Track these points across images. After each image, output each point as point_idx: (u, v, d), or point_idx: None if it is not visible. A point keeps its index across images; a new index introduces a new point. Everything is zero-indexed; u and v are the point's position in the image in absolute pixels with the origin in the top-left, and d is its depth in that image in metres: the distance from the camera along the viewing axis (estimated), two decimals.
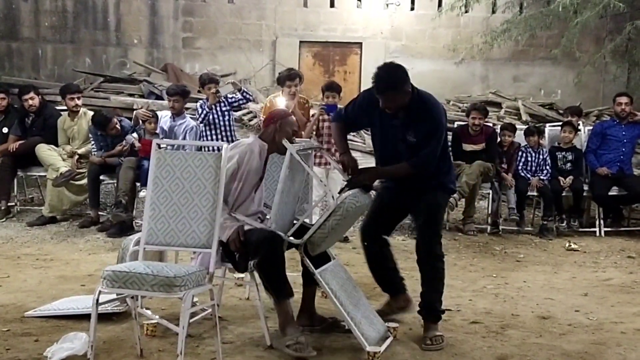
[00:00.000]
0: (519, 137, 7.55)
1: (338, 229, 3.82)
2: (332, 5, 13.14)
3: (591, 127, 8.01)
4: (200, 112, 6.83)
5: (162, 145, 3.89)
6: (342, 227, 3.88)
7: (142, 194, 6.60)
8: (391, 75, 3.78)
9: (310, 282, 3.97)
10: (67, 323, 4.05)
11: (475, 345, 3.95)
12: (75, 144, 7.28)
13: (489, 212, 7.40)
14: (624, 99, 7.62)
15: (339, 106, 6.48)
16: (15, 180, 7.48)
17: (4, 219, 7.15)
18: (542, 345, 3.97)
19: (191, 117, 7.10)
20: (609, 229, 7.39)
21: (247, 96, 7.00)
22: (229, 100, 6.94)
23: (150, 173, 3.66)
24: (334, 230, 3.77)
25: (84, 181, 7.08)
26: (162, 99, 9.64)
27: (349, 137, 4.25)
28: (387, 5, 13.16)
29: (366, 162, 6.20)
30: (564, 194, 7.36)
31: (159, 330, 3.90)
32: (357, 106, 4.07)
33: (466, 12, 12.68)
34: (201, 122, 6.82)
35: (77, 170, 7.10)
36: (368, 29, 13.14)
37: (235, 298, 4.72)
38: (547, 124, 8.86)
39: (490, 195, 7.34)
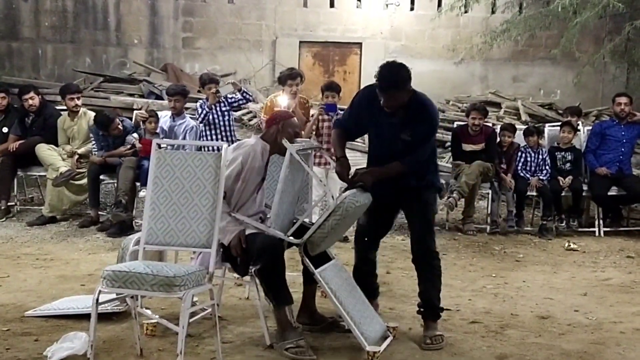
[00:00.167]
0: (519, 137, 7.55)
1: (338, 229, 3.83)
2: (332, 5, 13.15)
3: (590, 127, 8.01)
4: (200, 112, 6.84)
5: (162, 145, 3.90)
6: (342, 226, 3.89)
7: (142, 193, 6.61)
8: (395, 74, 3.80)
9: (310, 281, 3.99)
10: (67, 323, 4.06)
11: (475, 344, 3.96)
12: (75, 144, 7.28)
13: (489, 212, 7.41)
14: (623, 99, 7.62)
15: (338, 106, 6.50)
16: (15, 180, 7.48)
17: (4, 219, 7.16)
18: (541, 345, 3.98)
19: (191, 117, 7.11)
20: (608, 229, 7.39)
21: (247, 96, 7.01)
22: (229, 100, 6.95)
23: (150, 173, 3.67)
24: (334, 230, 3.78)
25: (84, 181, 7.08)
26: (162, 99, 9.65)
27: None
28: (387, 5, 13.17)
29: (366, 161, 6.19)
30: (563, 194, 7.36)
31: (159, 329, 3.90)
32: (355, 106, 4.09)
33: (466, 12, 12.69)
34: (201, 122, 6.82)
35: (77, 170, 7.10)
36: (368, 29, 13.15)
37: (235, 298, 4.73)
38: (547, 124, 8.87)
39: (490, 195, 7.35)
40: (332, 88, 6.63)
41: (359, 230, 4.21)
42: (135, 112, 7.78)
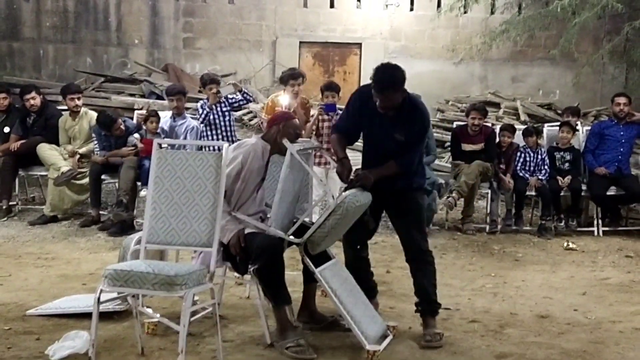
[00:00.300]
0: (518, 138, 7.56)
1: (338, 228, 3.85)
2: (332, 5, 13.15)
3: (589, 127, 8.03)
4: (201, 112, 6.87)
5: (163, 145, 3.92)
6: (342, 226, 3.90)
7: (142, 193, 6.63)
8: (392, 75, 3.86)
9: (310, 280, 4.01)
10: (69, 321, 4.07)
11: (474, 344, 3.98)
12: (76, 144, 7.30)
13: (488, 211, 7.42)
14: (622, 99, 7.64)
15: (337, 106, 6.52)
16: (17, 180, 7.50)
17: (5, 218, 7.17)
18: (540, 344, 4.00)
19: (192, 118, 7.13)
20: (607, 229, 7.40)
21: (248, 97, 7.04)
22: (230, 100, 6.96)
23: (151, 172, 3.68)
24: (334, 229, 3.80)
25: (85, 180, 7.10)
26: (163, 99, 9.66)
27: None
28: (387, 5, 13.17)
29: None
30: (562, 193, 7.37)
31: (160, 328, 3.92)
32: (350, 109, 4.14)
33: (465, 12, 12.70)
34: (202, 123, 6.85)
35: (78, 170, 7.12)
36: (367, 29, 13.16)
37: (235, 297, 4.74)
38: (546, 124, 8.87)
39: (489, 195, 7.37)
40: (331, 88, 6.65)
41: (347, 232, 4.23)
42: (135, 111, 7.81)
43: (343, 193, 3.83)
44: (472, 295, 5.03)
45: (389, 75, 3.85)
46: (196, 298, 3.83)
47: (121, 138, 6.98)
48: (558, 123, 8.32)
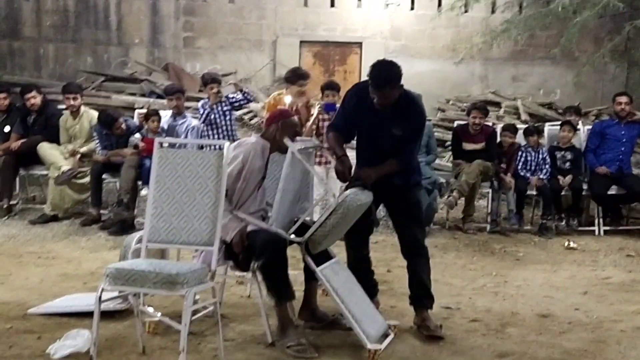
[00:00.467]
0: (519, 137, 7.56)
1: (339, 227, 3.85)
2: (332, 5, 13.14)
3: (590, 127, 8.02)
4: (201, 112, 6.87)
5: (164, 144, 3.92)
6: (343, 225, 3.90)
7: (143, 192, 6.63)
8: (388, 72, 3.89)
9: (311, 279, 4.02)
10: (70, 320, 4.07)
11: (475, 343, 3.98)
12: (77, 143, 7.30)
13: (489, 211, 7.42)
14: (623, 99, 7.64)
15: (337, 105, 6.51)
16: (17, 179, 7.51)
17: (6, 217, 7.17)
18: (541, 343, 4.00)
19: (193, 117, 7.13)
20: (608, 228, 7.41)
21: (248, 97, 7.05)
22: (230, 100, 6.97)
23: (152, 171, 3.68)
24: (335, 228, 3.81)
25: (86, 180, 7.10)
26: (163, 98, 9.66)
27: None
28: (387, 5, 13.15)
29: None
30: (563, 193, 7.38)
31: (161, 327, 3.91)
32: (345, 107, 4.17)
33: (466, 12, 12.68)
34: (203, 122, 6.85)
35: (79, 169, 7.12)
36: (368, 28, 13.14)
37: (236, 296, 4.74)
38: (546, 124, 8.86)
39: (490, 194, 7.37)
40: (332, 87, 6.66)
41: (348, 231, 4.24)
42: (136, 111, 7.82)
43: (344, 192, 3.83)
44: (473, 295, 5.03)
45: (386, 72, 3.88)
46: (197, 297, 3.82)
47: (122, 137, 6.98)
48: (559, 122, 8.32)
